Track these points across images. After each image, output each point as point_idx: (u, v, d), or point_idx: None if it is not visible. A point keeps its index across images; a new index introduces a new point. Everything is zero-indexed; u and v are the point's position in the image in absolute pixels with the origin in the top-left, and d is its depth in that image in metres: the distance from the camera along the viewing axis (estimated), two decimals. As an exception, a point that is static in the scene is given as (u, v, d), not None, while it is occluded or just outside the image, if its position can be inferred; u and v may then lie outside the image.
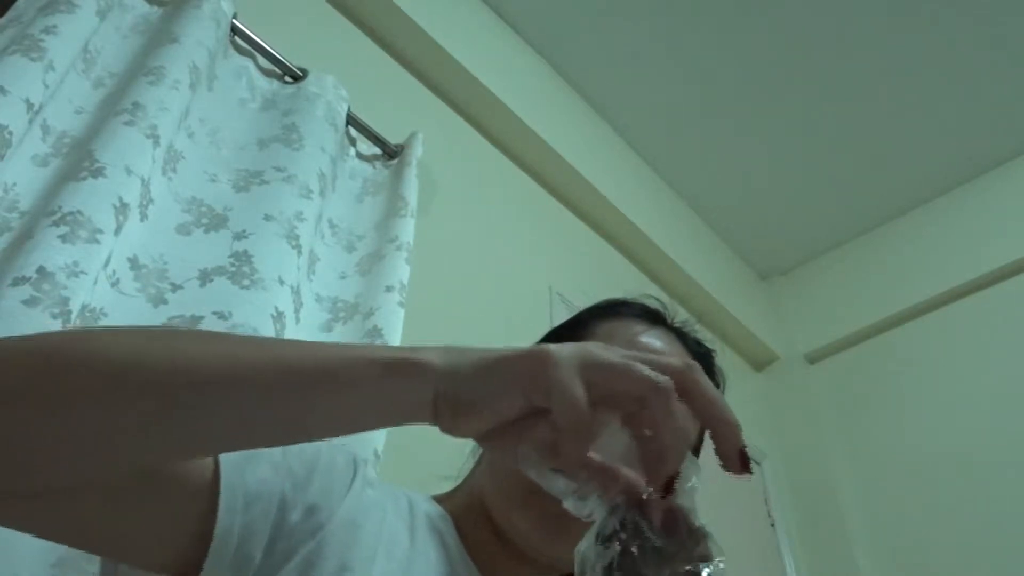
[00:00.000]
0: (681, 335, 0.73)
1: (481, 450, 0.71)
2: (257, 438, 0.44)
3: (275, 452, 0.54)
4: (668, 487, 0.40)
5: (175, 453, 0.44)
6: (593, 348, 0.41)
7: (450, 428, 0.41)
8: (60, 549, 0.72)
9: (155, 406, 0.40)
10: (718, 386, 0.75)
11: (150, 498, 0.47)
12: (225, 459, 0.50)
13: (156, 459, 0.44)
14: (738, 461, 0.40)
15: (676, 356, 0.44)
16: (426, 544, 0.61)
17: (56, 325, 0.80)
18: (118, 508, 0.46)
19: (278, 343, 0.44)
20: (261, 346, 0.43)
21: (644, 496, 0.40)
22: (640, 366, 0.40)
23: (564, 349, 0.40)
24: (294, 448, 0.55)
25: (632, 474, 0.40)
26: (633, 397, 0.39)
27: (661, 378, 0.39)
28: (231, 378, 0.40)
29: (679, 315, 0.77)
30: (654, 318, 0.73)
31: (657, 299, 0.77)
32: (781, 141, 2.37)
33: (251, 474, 0.51)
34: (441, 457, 0.70)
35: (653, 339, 0.69)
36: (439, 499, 0.70)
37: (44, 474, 0.40)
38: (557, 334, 0.76)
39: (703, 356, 0.73)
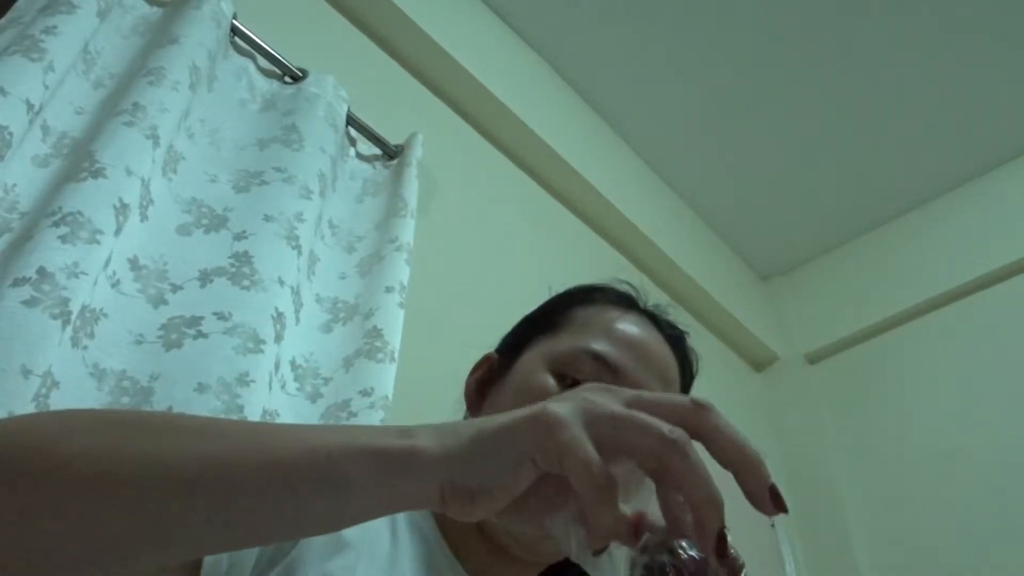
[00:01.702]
0: (654, 318, 0.73)
1: None
2: (248, 541, 0.40)
3: None
4: (722, 545, 0.38)
5: (156, 560, 0.39)
6: (594, 398, 0.38)
7: (464, 515, 0.38)
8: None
9: (132, 519, 0.36)
10: (693, 368, 0.76)
11: None
12: None
13: (133, 567, 0.39)
14: (769, 500, 0.38)
15: (682, 395, 0.39)
16: (408, 544, 0.60)
17: (56, 325, 0.80)
18: None
19: (263, 433, 0.38)
20: (246, 439, 0.38)
21: (678, 549, 0.37)
22: (646, 419, 0.36)
23: (565, 406, 0.37)
24: None
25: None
26: (647, 453, 0.36)
27: (675, 432, 0.36)
28: (217, 483, 0.36)
29: (651, 298, 0.77)
30: (628, 303, 0.73)
31: (628, 283, 0.77)
32: (781, 141, 2.37)
33: None
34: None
35: (629, 324, 0.69)
36: None
37: None
38: (531, 321, 0.76)
39: (675, 338, 0.73)
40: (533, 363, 0.67)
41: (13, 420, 0.38)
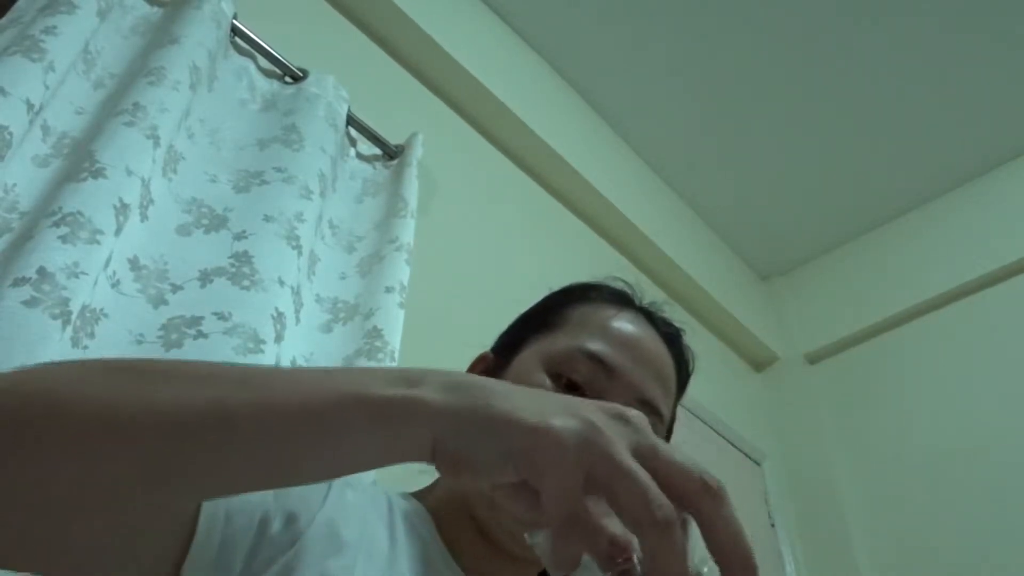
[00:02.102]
0: (650, 316, 0.73)
1: None
2: (245, 486, 0.41)
3: None
4: None
5: (156, 505, 0.40)
6: (606, 428, 0.35)
7: (450, 476, 0.38)
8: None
9: (130, 465, 0.36)
10: (690, 366, 0.75)
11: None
12: None
13: (134, 513, 0.39)
14: None
15: (701, 468, 0.36)
16: (406, 544, 0.60)
17: (56, 325, 0.80)
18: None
19: (264, 379, 0.38)
20: (245, 385, 0.38)
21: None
22: (644, 484, 0.34)
23: (571, 425, 0.35)
24: None
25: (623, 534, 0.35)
26: (631, 518, 0.33)
27: (665, 512, 0.33)
28: (213, 429, 0.36)
29: (647, 295, 0.76)
30: (623, 300, 0.73)
31: (623, 280, 0.77)
32: (781, 142, 2.37)
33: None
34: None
35: (625, 323, 0.69)
36: (418, 495, 0.69)
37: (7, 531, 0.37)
38: (527, 320, 0.75)
39: (671, 336, 0.72)
40: (529, 363, 0.67)
41: (21, 371, 0.39)
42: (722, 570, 0.34)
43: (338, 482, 0.58)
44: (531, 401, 0.37)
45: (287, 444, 0.37)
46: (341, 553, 0.53)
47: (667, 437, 0.69)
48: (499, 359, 0.72)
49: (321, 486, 0.57)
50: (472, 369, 0.74)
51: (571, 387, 0.63)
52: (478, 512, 0.62)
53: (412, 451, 0.37)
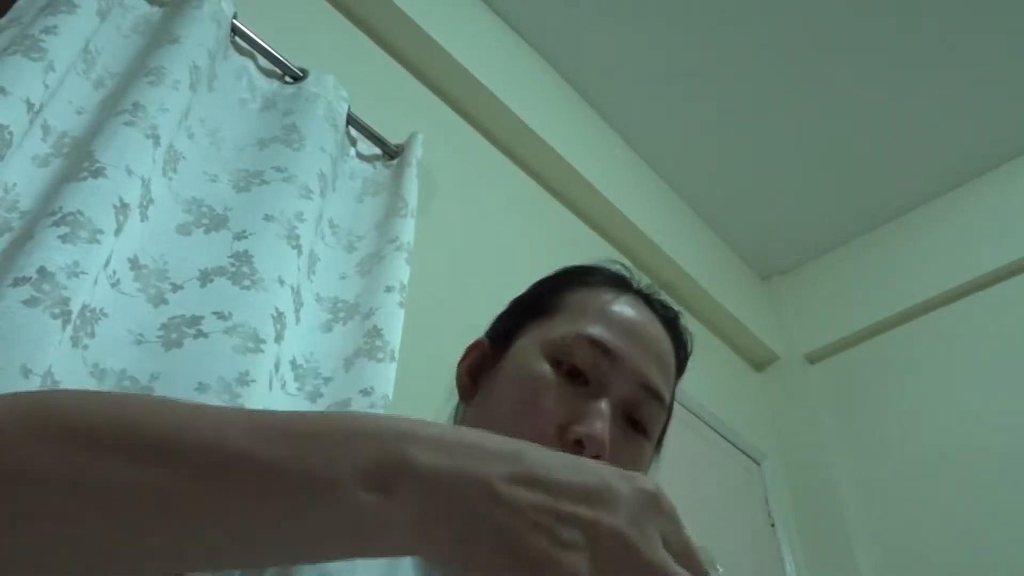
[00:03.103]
0: (648, 299, 0.71)
1: (463, 419, 0.69)
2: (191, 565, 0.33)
3: None
4: None
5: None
6: (646, 528, 0.31)
7: None
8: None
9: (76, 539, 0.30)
10: (688, 348, 0.73)
11: None
12: None
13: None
14: None
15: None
16: None
17: (57, 325, 0.80)
18: None
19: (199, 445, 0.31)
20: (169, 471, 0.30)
21: None
22: None
23: (574, 559, 0.30)
24: None
25: None
26: None
27: None
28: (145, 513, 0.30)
29: (644, 279, 0.75)
30: (621, 284, 0.72)
31: (620, 263, 0.76)
32: (781, 141, 2.37)
33: None
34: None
35: (624, 307, 0.67)
36: None
37: None
38: (523, 306, 0.73)
39: (670, 319, 0.71)
40: (528, 349, 0.66)
41: None
42: None
43: None
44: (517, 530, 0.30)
45: (244, 527, 0.30)
46: None
47: (667, 421, 0.68)
48: (495, 346, 0.71)
49: None
50: (467, 357, 0.72)
51: (573, 373, 0.62)
52: None
53: (391, 553, 0.32)
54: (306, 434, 0.32)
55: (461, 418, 0.69)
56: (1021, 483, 1.95)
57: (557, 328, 0.66)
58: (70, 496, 0.30)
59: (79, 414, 0.32)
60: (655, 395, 0.64)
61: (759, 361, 2.61)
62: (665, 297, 0.74)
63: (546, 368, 0.63)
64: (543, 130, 1.98)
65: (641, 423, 0.63)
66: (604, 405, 0.60)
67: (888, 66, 2.17)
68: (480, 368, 0.70)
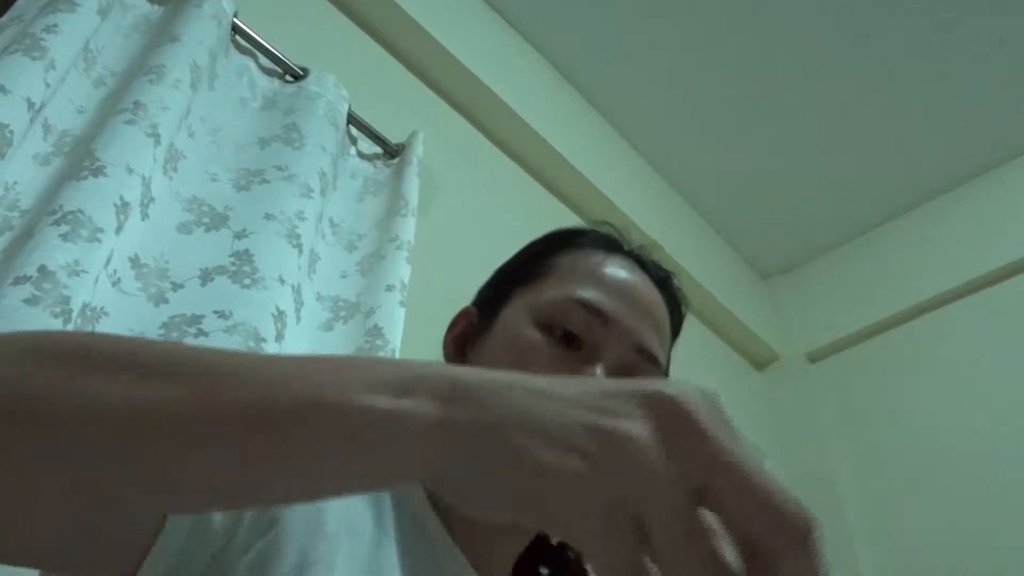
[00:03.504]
0: (640, 260, 0.69)
1: None
2: (198, 502, 0.33)
3: None
4: None
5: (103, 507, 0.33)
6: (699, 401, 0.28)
7: (461, 508, 0.30)
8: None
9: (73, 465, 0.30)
10: (683, 309, 0.73)
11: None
12: None
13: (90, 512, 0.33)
14: None
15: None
16: (394, 522, 0.55)
17: (57, 324, 0.80)
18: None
19: (220, 372, 0.31)
20: (199, 380, 0.31)
21: None
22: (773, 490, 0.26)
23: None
24: None
25: None
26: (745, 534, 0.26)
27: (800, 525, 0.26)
28: (152, 436, 0.30)
29: (634, 240, 0.72)
30: (612, 245, 0.69)
31: (609, 223, 0.74)
32: (782, 140, 2.37)
33: None
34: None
35: (617, 268, 0.65)
36: None
37: None
38: (510, 272, 0.70)
39: (663, 280, 0.69)
40: (517, 316, 0.63)
41: None
42: None
43: None
44: (558, 416, 0.28)
45: (240, 459, 0.30)
46: (323, 533, 0.48)
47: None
48: (483, 315, 0.68)
49: None
50: (455, 327, 0.70)
51: (565, 338, 0.60)
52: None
53: (402, 474, 0.30)
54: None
55: None
56: (1022, 480, 1.94)
57: (547, 292, 0.63)
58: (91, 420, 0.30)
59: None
60: (650, 358, 0.62)
61: (760, 360, 2.61)
62: (657, 258, 0.72)
63: (536, 334, 0.61)
64: (544, 129, 1.98)
65: None
66: (598, 371, 0.58)
67: (889, 66, 2.17)
68: (467, 339, 0.68)
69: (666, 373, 0.65)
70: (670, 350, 0.68)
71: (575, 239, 0.70)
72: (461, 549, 0.56)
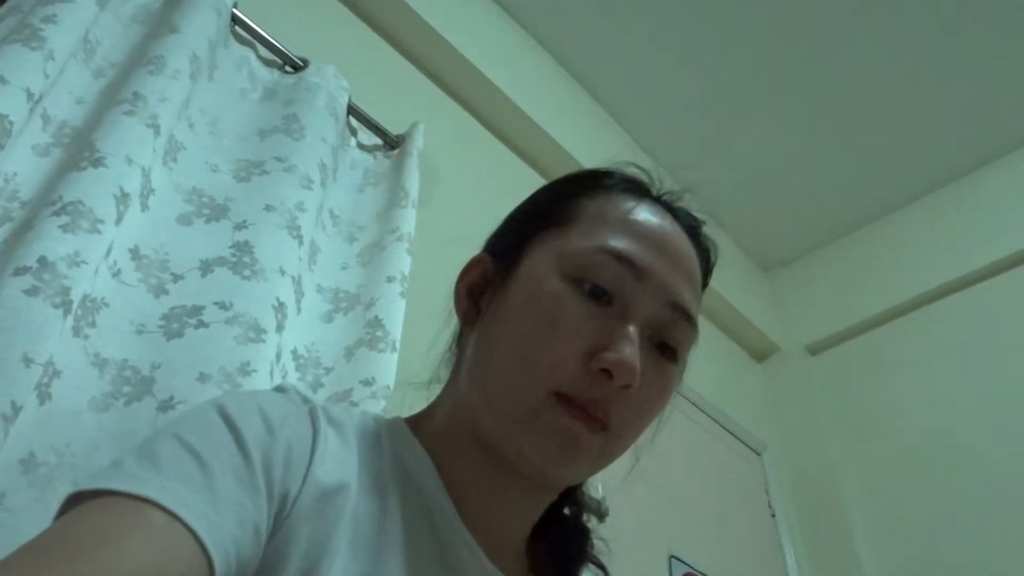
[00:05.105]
0: (670, 207, 0.64)
1: (464, 345, 0.62)
2: None
3: (234, 481, 0.44)
4: None
5: None
6: None
7: None
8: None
9: None
10: (712, 259, 0.68)
11: None
12: (194, 522, 0.40)
13: None
14: None
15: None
16: (398, 502, 0.53)
17: (58, 315, 0.80)
18: None
19: None
20: None
21: None
22: None
23: None
24: (255, 456, 0.46)
25: None
26: None
27: None
28: None
29: (665, 183, 0.67)
30: (641, 190, 0.64)
31: (637, 165, 0.68)
32: (783, 133, 2.36)
33: (226, 524, 0.42)
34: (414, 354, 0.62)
35: (648, 215, 0.60)
36: (412, 424, 0.61)
37: None
38: (530, 216, 0.65)
39: (692, 228, 0.65)
40: (541, 267, 0.57)
41: None
42: None
43: (320, 443, 0.51)
44: None
45: None
46: (329, 518, 0.49)
47: (693, 340, 0.60)
48: (499, 262, 0.62)
49: (301, 459, 0.49)
50: (467, 275, 0.65)
51: (595, 292, 0.55)
52: (493, 436, 0.55)
53: None
54: None
55: (463, 343, 0.63)
56: (1021, 474, 1.95)
57: (575, 240, 0.58)
58: None
59: None
60: (685, 314, 0.57)
61: (760, 352, 2.61)
62: (687, 204, 0.67)
63: (564, 287, 0.55)
64: (544, 120, 1.98)
65: (670, 346, 0.57)
66: (632, 328, 0.54)
67: (888, 60, 2.16)
68: (483, 287, 0.63)
69: (696, 327, 0.61)
70: (700, 303, 0.63)
71: (603, 181, 0.65)
72: (470, 530, 0.54)
